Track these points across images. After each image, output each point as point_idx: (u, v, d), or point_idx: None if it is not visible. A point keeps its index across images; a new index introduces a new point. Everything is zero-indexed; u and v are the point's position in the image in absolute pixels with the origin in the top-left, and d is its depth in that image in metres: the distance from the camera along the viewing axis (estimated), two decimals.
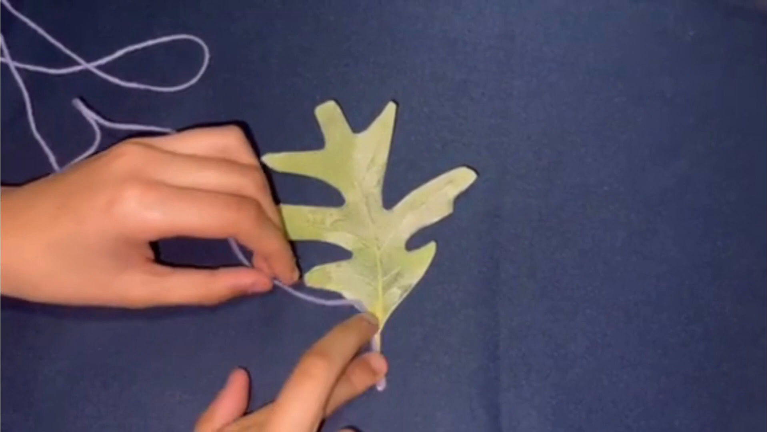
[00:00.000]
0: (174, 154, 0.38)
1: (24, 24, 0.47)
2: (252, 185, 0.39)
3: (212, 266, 0.41)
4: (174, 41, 0.48)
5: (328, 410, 0.38)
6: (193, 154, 0.39)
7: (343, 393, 0.39)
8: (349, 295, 0.43)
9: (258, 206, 0.39)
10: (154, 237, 0.38)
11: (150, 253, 0.40)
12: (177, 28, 0.48)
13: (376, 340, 0.42)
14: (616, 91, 0.48)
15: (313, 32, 0.49)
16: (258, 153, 0.42)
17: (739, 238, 0.44)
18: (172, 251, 0.41)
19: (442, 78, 0.48)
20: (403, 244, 0.44)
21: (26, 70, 0.46)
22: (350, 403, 0.40)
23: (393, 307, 0.42)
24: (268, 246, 0.40)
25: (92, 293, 0.39)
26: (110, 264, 0.38)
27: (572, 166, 0.46)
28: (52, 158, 0.45)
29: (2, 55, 0.47)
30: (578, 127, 0.47)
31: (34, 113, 0.46)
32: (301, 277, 0.43)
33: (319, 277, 0.43)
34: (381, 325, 0.42)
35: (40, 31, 0.47)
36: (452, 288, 0.43)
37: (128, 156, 0.37)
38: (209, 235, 0.38)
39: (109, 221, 0.36)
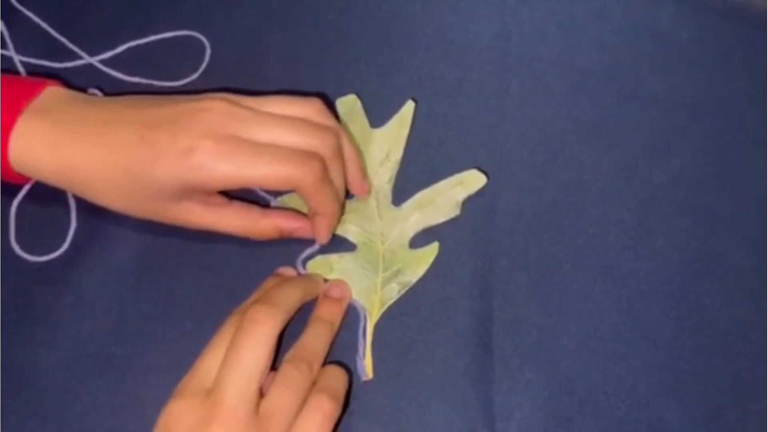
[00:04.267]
0: (255, 111, 0.41)
1: (28, 18, 0.48)
2: (324, 147, 0.41)
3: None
4: (176, 37, 0.49)
5: (320, 359, 0.39)
6: (274, 113, 0.41)
7: (323, 335, 0.40)
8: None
9: (323, 167, 0.40)
10: (220, 188, 0.40)
11: (212, 191, 0.42)
12: (179, 24, 0.49)
13: (369, 333, 0.42)
14: (610, 91, 0.48)
15: (313, 30, 0.50)
16: None
17: (729, 235, 0.45)
18: None
19: (439, 77, 0.49)
20: (407, 241, 0.44)
21: (30, 63, 0.47)
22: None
23: (390, 302, 0.43)
24: (323, 207, 0.42)
25: (153, 212, 0.42)
26: (174, 196, 0.40)
27: (566, 164, 0.46)
28: None
29: (6, 48, 0.47)
30: (573, 125, 0.47)
31: None
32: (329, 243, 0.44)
33: (321, 267, 0.44)
34: (376, 318, 0.43)
35: (44, 25, 0.48)
36: (447, 281, 0.44)
37: (214, 112, 0.40)
38: (272, 188, 0.41)
39: (181, 168, 0.39)
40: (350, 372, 0.41)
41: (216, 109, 0.40)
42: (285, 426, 0.36)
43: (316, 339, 0.40)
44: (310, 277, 0.43)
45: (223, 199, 0.43)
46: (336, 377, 0.39)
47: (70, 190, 0.43)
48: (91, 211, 0.44)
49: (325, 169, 0.41)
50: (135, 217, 0.42)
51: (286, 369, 0.38)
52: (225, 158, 0.39)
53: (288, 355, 0.39)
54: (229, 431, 0.35)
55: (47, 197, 0.44)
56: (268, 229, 0.43)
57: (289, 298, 0.40)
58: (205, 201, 0.42)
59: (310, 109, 0.42)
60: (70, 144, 0.40)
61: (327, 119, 0.42)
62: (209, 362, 0.38)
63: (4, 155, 0.40)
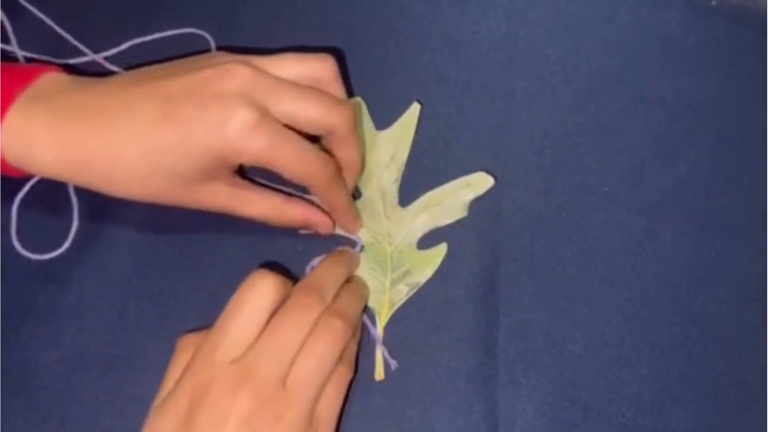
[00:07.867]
0: (278, 80, 0.39)
1: (31, 13, 0.48)
2: (343, 122, 0.40)
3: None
4: (180, 35, 0.48)
5: (354, 323, 0.39)
6: (294, 82, 0.40)
7: (356, 297, 0.41)
8: None
9: (337, 169, 0.41)
10: (250, 162, 0.39)
11: (236, 167, 0.41)
12: (183, 22, 0.48)
13: (379, 334, 0.42)
14: (617, 94, 0.48)
15: (318, 29, 0.49)
16: None
17: (736, 241, 0.44)
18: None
19: (446, 78, 0.48)
20: (414, 242, 0.44)
21: (33, 60, 0.47)
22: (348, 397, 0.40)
23: (399, 304, 0.43)
24: (338, 201, 0.42)
25: (176, 197, 0.40)
26: (201, 175, 0.39)
27: (573, 167, 0.46)
28: None
29: (9, 44, 0.47)
30: (579, 128, 0.47)
31: None
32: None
33: None
34: (385, 320, 0.42)
35: (48, 21, 0.48)
36: (453, 285, 0.43)
37: (239, 77, 0.38)
38: (292, 177, 0.40)
39: (218, 139, 0.37)
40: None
41: (241, 74, 0.38)
42: (313, 398, 0.36)
43: (349, 302, 0.40)
44: (348, 252, 0.43)
45: (247, 183, 0.42)
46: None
47: (80, 183, 0.40)
48: (93, 209, 0.44)
49: (338, 169, 0.41)
50: (155, 203, 0.40)
51: (323, 325, 0.37)
52: (259, 134, 0.37)
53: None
54: (257, 402, 0.34)
55: (49, 195, 0.44)
56: (292, 218, 0.42)
57: (337, 281, 0.40)
58: (232, 182, 0.41)
59: (324, 68, 0.41)
60: (77, 132, 0.38)
61: (339, 83, 0.42)
62: (238, 328, 0.36)
63: None
